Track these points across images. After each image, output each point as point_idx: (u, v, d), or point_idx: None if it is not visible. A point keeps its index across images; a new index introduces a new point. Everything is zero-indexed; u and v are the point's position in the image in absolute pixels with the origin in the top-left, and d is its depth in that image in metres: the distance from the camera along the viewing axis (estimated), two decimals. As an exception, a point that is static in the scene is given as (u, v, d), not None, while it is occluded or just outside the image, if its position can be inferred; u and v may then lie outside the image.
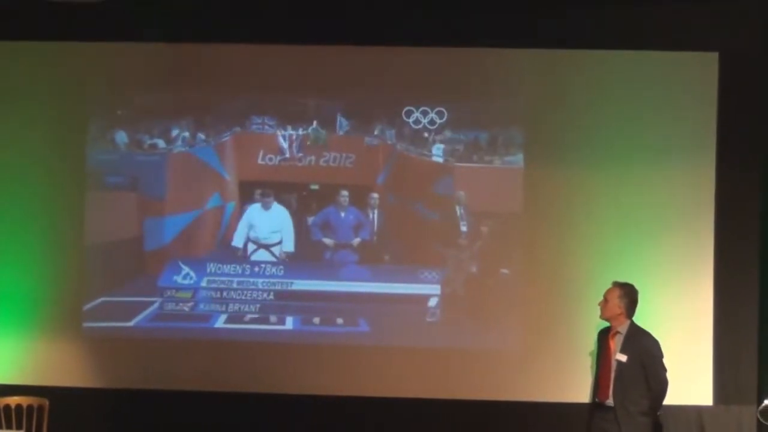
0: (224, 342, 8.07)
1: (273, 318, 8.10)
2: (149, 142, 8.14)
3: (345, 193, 8.08)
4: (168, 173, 8.14)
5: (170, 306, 8.12)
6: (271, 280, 8.10)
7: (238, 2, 7.93)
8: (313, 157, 8.09)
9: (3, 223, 8.09)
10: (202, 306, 8.13)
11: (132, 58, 8.06)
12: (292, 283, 8.09)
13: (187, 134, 8.11)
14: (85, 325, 8.08)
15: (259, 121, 8.11)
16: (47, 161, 8.10)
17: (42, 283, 8.06)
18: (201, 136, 8.12)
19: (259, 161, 8.12)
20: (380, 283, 8.06)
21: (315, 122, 8.09)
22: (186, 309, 8.12)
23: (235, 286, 8.13)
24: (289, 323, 8.08)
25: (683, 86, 7.88)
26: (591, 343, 7.65)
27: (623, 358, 7.07)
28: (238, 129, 8.11)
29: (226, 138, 8.11)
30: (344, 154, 8.09)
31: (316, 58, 8.02)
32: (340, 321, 8.08)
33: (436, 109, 8.02)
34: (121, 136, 8.11)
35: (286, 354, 8.03)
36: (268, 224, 8.15)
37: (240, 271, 8.13)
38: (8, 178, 8.10)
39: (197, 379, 7.98)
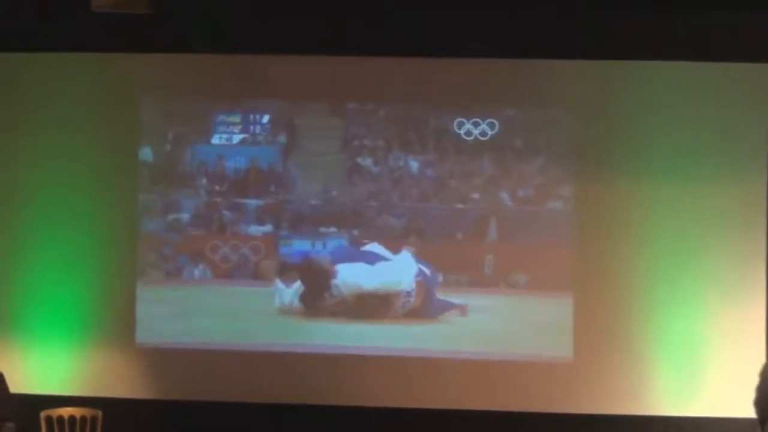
0: (283, 353, 8.04)
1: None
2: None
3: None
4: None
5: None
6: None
7: (287, 14, 7.88)
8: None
9: (55, 235, 8.10)
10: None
11: (181, 69, 8.10)
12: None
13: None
14: (139, 334, 8.10)
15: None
16: (98, 172, 8.12)
17: (95, 292, 8.08)
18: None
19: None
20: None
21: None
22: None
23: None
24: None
25: (735, 98, 7.85)
26: (647, 352, 7.77)
27: None
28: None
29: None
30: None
31: (364, 70, 8.04)
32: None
33: (488, 120, 8.04)
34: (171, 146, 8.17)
35: (352, 365, 8.01)
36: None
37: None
38: (59, 190, 8.13)
39: (252, 390, 7.99)
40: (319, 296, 8.10)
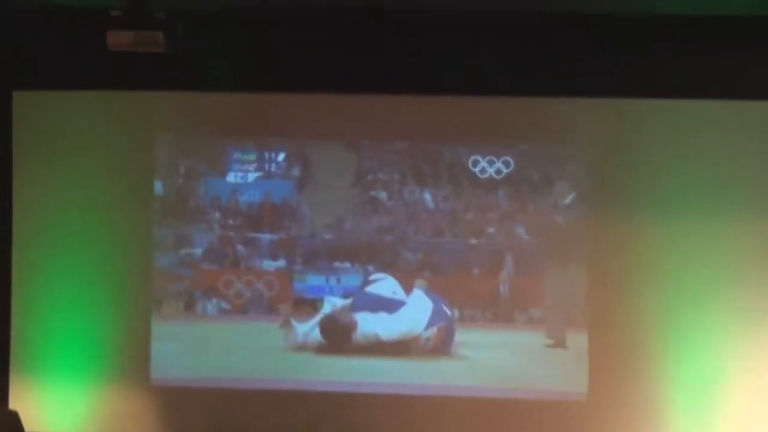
0: (299, 390, 8.01)
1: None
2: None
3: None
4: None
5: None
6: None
7: (302, 53, 7.89)
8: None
9: (70, 271, 8.10)
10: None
11: (196, 107, 8.10)
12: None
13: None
14: (154, 371, 8.06)
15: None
16: (114, 206, 8.11)
17: (109, 328, 8.06)
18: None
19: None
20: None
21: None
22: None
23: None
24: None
25: (752, 135, 7.86)
26: (663, 389, 7.74)
27: None
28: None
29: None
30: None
31: (379, 109, 8.05)
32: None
33: (503, 158, 8.05)
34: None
35: (367, 403, 7.99)
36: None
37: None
38: (74, 230, 8.12)
39: (267, 429, 7.96)
40: (338, 349, 8.10)
